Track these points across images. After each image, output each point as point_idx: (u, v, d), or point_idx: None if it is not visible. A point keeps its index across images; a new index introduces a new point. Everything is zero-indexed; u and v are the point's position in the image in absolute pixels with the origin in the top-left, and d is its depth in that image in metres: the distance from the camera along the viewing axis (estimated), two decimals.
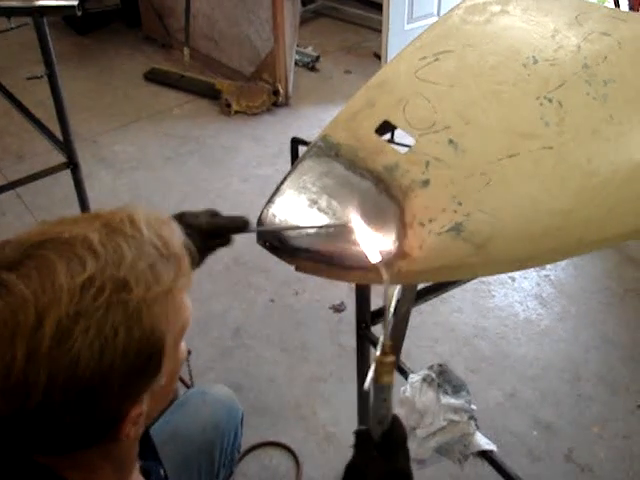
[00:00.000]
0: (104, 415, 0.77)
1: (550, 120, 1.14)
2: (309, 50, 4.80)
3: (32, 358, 0.70)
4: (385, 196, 1.08)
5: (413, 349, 2.47)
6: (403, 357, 1.73)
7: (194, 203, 3.36)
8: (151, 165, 3.74)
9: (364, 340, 1.83)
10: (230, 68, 4.51)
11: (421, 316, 2.66)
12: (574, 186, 1.11)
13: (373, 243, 1.00)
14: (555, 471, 2.14)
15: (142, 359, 0.76)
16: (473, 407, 1.57)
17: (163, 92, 4.45)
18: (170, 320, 0.79)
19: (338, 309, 2.75)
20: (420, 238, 1.04)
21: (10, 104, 2.81)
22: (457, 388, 1.58)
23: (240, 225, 1.16)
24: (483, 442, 1.56)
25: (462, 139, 1.12)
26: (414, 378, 1.62)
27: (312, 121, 4.05)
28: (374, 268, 0.97)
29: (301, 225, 1.10)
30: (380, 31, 4.35)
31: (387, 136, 1.30)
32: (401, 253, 1.04)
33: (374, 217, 1.07)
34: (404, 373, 1.70)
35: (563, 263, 2.95)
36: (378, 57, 4.58)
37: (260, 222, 1.15)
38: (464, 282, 2.02)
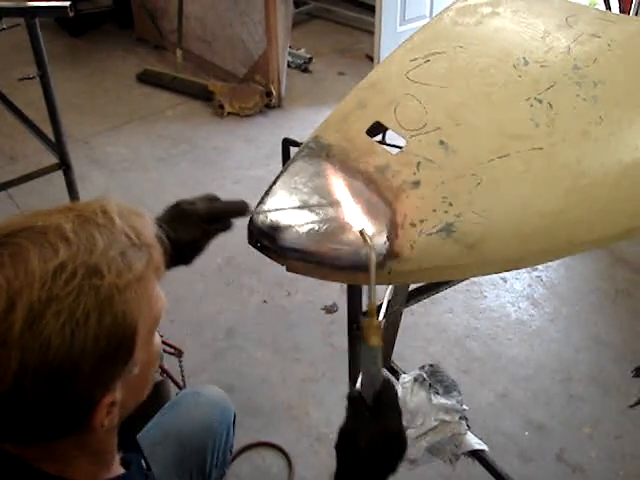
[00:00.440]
0: (75, 401, 0.77)
1: (540, 121, 1.15)
2: (302, 52, 4.80)
3: (3, 342, 0.71)
4: (376, 197, 1.08)
5: (405, 349, 2.48)
6: (395, 357, 1.74)
7: None
8: (143, 166, 3.74)
9: (356, 341, 1.83)
10: (223, 70, 4.51)
11: (413, 317, 2.66)
12: (564, 187, 1.12)
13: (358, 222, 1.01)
14: (546, 471, 2.15)
15: (113, 345, 0.76)
16: (464, 407, 1.58)
17: (156, 93, 4.45)
18: (142, 309, 0.80)
19: (330, 310, 2.76)
20: (411, 238, 1.04)
21: (2, 105, 2.81)
22: (448, 388, 1.59)
23: (240, 208, 1.16)
24: (474, 442, 1.57)
25: (453, 140, 1.12)
26: (406, 378, 1.62)
27: (304, 122, 4.05)
28: (364, 268, 0.98)
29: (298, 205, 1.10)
30: (373, 33, 4.37)
31: (378, 137, 1.30)
32: (392, 253, 1.04)
33: (365, 217, 1.07)
34: (396, 373, 1.71)
35: (554, 264, 2.96)
36: (371, 59, 4.59)
37: (252, 223, 1.16)
38: (456, 283, 2.02)
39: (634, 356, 2.50)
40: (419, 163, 1.09)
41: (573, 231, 1.15)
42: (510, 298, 2.82)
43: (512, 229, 1.09)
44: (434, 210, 1.06)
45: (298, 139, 2.48)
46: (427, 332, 2.65)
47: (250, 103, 4.15)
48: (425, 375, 1.60)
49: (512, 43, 1.29)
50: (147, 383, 0.92)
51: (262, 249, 1.14)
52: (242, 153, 3.83)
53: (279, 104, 4.27)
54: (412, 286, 1.74)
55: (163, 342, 2.01)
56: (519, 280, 2.90)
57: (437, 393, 1.56)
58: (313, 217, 1.10)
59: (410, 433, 1.56)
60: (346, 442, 0.98)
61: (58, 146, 2.60)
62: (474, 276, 2.35)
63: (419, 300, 1.81)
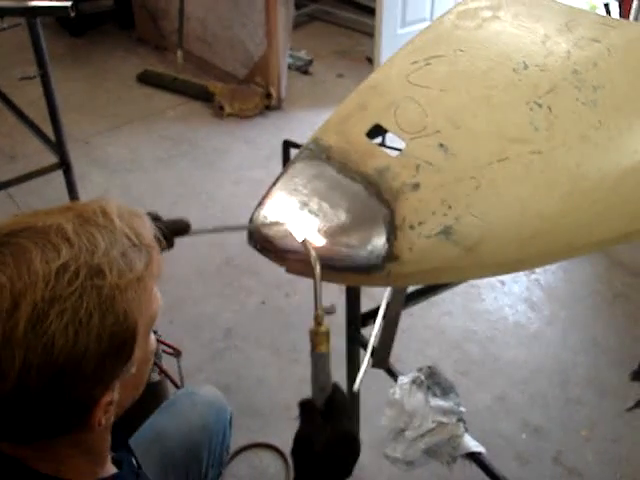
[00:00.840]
0: (77, 400, 0.78)
1: (540, 125, 1.15)
2: (302, 54, 4.80)
3: (7, 342, 0.71)
4: (375, 199, 1.09)
5: (403, 352, 2.48)
6: (393, 359, 1.74)
7: (186, 205, 3.37)
8: (143, 167, 3.74)
9: (354, 342, 1.84)
10: (223, 71, 4.51)
11: (411, 319, 2.66)
12: (563, 190, 1.12)
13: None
14: (543, 474, 2.15)
15: (115, 344, 0.77)
16: (462, 409, 1.58)
17: (156, 94, 4.45)
18: (142, 308, 0.81)
19: (328, 311, 2.75)
20: (410, 241, 1.04)
21: (2, 104, 2.81)
22: (446, 390, 1.60)
23: (182, 228, 1.17)
24: (472, 444, 1.58)
25: (452, 143, 1.13)
26: (403, 380, 1.63)
27: (304, 124, 4.05)
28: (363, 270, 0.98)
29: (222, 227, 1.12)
30: (373, 35, 4.36)
31: (378, 139, 1.31)
32: (391, 256, 1.05)
33: (364, 220, 1.08)
34: (393, 375, 1.71)
35: (553, 267, 2.97)
36: (371, 61, 4.59)
37: (251, 224, 1.16)
38: (454, 285, 2.03)
39: (631, 359, 2.50)
40: (418, 166, 1.10)
41: (572, 234, 1.16)
42: (508, 301, 2.82)
43: (511, 232, 1.10)
44: (433, 213, 1.06)
45: (298, 141, 2.49)
46: (425, 334, 2.65)
47: (250, 104, 4.16)
48: (423, 377, 1.60)
49: (512, 47, 1.29)
50: (142, 381, 0.93)
51: (261, 250, 1.15)
52: (242, 154, 3.84)
53: (279, 106, 4.27)
54: (410, 288, 1.74)
55: (161, 342, 2.02)
56: (517, 283, 2.90)
57: (435, 395, 1.57)
58: (312, 219, 1.11)
59: (407, 435, 1.57)
60: (301, 447, 1.01)
61: (58, 146, 2.60)
62: (473, 279, 2.36)
63: (417, 302, 1.81)
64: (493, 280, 2.90)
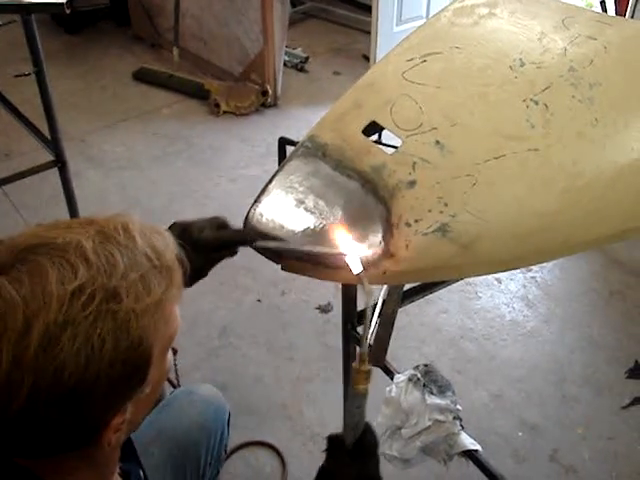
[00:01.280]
0: (86, 423, 0.77)
1: (536, 122, 1.15)
2: (298, 51, 4.80)
3: (17, 363, 0.70)
4: (372, 196, 1.09)
5: (399, 349, 2.48)
6: (389, 357, 1.74)
7: (182, 203, 3.36)
8: (139, 164, 3.74)
9: (350, 340, 1.83)
10: (219, 68, 4.50)
11: (407, 317, 2.66)
12: (559, 188, 1.12)
13: (356, 254, 1.00)
14: (539, 471, 2.15)
15: (128, 370, 0.76)
16: (458, 407, 1.58)
17: (152, 92, 4.45)
18: (159, 331, 0.79)
19: (324, 309, 2.76)
20: (406, 238, 1.04)
21: None
22: (443, 388, 1.59)
23: (247, 238, 1.15)
24: (468, 442, 1.57)
25: (449, 140, 1.12)
26: (400, 378, 1.62)
27: (300, 122, 4.05)
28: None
29: (299, 248, 1.10)
30: (369, 33, 4.36)
31: (374, 137, 1.31)
32: (387, 253, 1.04)
33: (360, 217, 1.07)
34: (390, 373, 1.71)
35: (549, 265, 2.97)
36: (367, 59, 4.59)
37: (247, 222, 1.16)
38: (450, 283, 2.02)
39: (627, 357, 2.51)
40: (415, 163, 1.10)
41: (568, 232, 1.16)
42: (504, 299, 2.82)
43: (507, 230, 1.09)
44: (429, 210, 1.06)
45: (294, 138, 2.48)
46: (421, 332, 2.65)
47: (246, 102, 4.15)
48: (419, 375, 1.60)
49: (509, 44, 1.29)
50: (155, 398, 0.91)
51: (257, 248, 1.14)
52: (238, 152, 3.83)
53: (275, 103, 4.27)
54: (407, 286, 1.74)
55: None
56: (513, 281, 2.91)
57: (431, 393, 1.57)
58: (308, 216, 1.10)
59: (404, 433, 1.57)
60: None
61: (54, 144, 2.59)
62: (469, 276, 2.36)
63: (414, 300, 1.81)
64: (489, 278, 2.90)
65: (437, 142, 1.12)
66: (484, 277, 2.88)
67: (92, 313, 0.72)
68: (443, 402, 1.56)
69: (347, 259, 0.99)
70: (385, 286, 1.64)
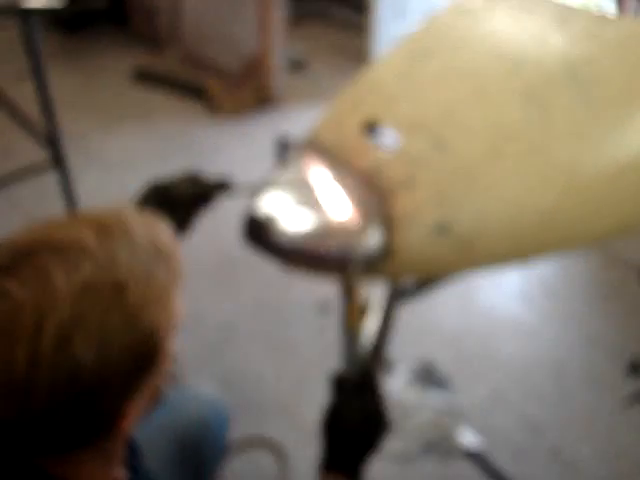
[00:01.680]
0: (104, 414, 0.78)
1: (534, 121, 1.15)
2: (297, 50, 4.80)
3: (34, 363, 0.71)
4: (370, 195, 1.09)
5: (399, 347, 2.48)
6: (389, 356, 1.74)
7: None
8: (138, 163, 3.74)
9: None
10: (218, 67, 4.51)
11: (406, 314, 2.66)
12: (558, 186, 1.12)
13: (355, 252, 1.02)
14: (540, 469, 2.15)
15: (140, 359, 0.78)
16: (458, 405, 1.59)
17: (151, 91, 4.45)
18: (165, 318, 0.81)
19: (324, 307, 2.76)
20: (405, 237, 1.04)
21: None
22: (442, 386, 1.60)
23: (222, 184, 1.22)
24: (468, 439, 1.58)
25: (447, 139, 1.12)
26: (399, 376, 1.63)
27: (299, 120, 4.06)
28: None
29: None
30: (367, 32, 4.36)
31: (373, 136, 1.31)
32: (386, 252, 1.04)
33: (359, 216, 1.08)
34: (390, 371, 1.71)
35: (549, 262, 2.97)
36: (365, 57, 4.59)
37: (246, 219, 1.16)
38: (450, 281, 2.03)
39: (628, 355, 2.52)
40: (413, 162, 1.10)
41: (567, 230, 1.16)
42: (504, 296, 2.82)
43: (506, 228, 1.10)
44: (428, 209, 1.06)
45: (293, 137, 2.48)
46: (421, 330, 2.65)
47: (245, 101, 4.15)
48: (419, 373, 1.60)
49: (507, 43, 1.29)
50: (161, 384, 0.92)
51: (257, 246, 1.14)
52: (237, 151, 3.83)
53: (274, 102, 4.27)
54: (406, 284, 1.74)
55: None
56: (513, 278, 2.91)
57: (431, 391, 1.57)
58: (307, 214, 1.11)
59: (404, 430, 1.57)
60: (331, 419, 1.04)
61: (53, 143, 2.60)
62: (468, 274, 2.36)
63: (412, 298, 1.81)
64: (489, 275, 2.90)
65: (436, 141, 1.12)
66: (484, 274, 2.89)
67: (102, 307, 0.73)
68: (443, 400, 1.57)
69: (346, 257, 1.00)
70: (384, 284, 1.64)
